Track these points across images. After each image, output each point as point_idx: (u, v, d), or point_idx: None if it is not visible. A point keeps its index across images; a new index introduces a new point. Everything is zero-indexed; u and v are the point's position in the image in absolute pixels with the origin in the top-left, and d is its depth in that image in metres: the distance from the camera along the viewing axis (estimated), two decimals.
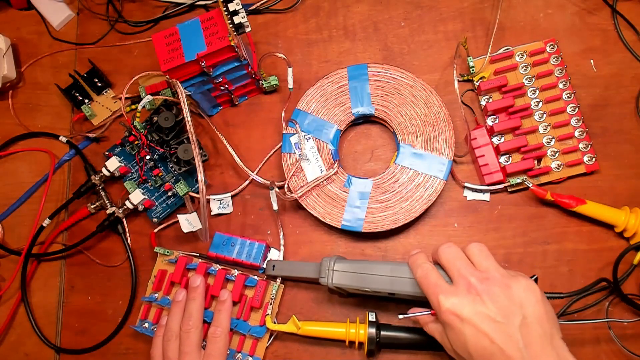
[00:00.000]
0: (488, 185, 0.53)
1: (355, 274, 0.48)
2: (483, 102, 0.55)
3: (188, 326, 0.49)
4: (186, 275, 0.55)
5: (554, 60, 0.54)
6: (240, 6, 0.48)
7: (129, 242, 0.57)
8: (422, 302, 0.45)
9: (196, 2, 0.62)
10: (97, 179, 0.57)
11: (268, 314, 0.52)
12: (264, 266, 0.54)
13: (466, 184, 0.54)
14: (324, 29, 0.61)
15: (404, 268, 0.46)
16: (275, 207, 0.53)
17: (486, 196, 0.54)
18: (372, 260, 0.50)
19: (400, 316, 0.45)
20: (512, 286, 0.39)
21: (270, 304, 0.52)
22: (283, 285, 0.54)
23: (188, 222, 0.52)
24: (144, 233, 0.58)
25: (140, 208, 0.56)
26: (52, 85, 0.62)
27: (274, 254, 0.55)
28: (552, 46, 0.55)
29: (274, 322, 0.52)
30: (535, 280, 0.46)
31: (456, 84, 0.52)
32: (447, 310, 0.39)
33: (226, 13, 0.48)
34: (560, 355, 0.37)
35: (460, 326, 0.39)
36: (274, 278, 0.53)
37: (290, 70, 0.57)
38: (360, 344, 0.50)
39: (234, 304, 0.53)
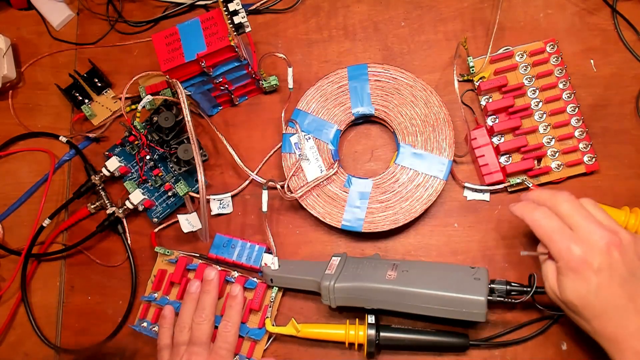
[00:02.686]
0: (488, 185, 0.53)
1: (357, 299, 0.48)
2: (483, 102, 0.55)
3: (200, 318, 0.49)
4: (186, 276, 0.55)
5: (554, 60, 0.54)
6: (240, 6, 0.48)
7: (129, 242, 0.57)
8: (429, 316, 0.46)
9: (196, 2, 0.62)
10: (97, 179, 0.57)
11: (268, 317, 0.52)
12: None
13: (466, 184, 0.54)
14: (324, 29, 0.61)
15: (408, 293, 0.46)
16: (264, 208, 0.52)
17: (486, 196, 0.54)
18: (376, 278, 0.48)
19: (523, 253, 0.46)
20: (637, 242, 0.41)
21: (270, 307, 0.52)
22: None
23: (188, 222, 0.52)
24: (144, 233, 0.58)
25: (140, 208, 0.56)
26: (52, 85, 0.62)
27: (268, 259, 0.54)
28: (552, 46, 0.55)
29: (273, 325, 0.52)
30: (534, 279, 0.46)
31: (456, 84, 0.52)
32: (579, 257, 0.40)
33: (226, 13, 0.48)
34: None
35: (589, 275, 0.40)
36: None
37: (290, 70, 0.57)
38: (360, 345, 0.50)
39: None
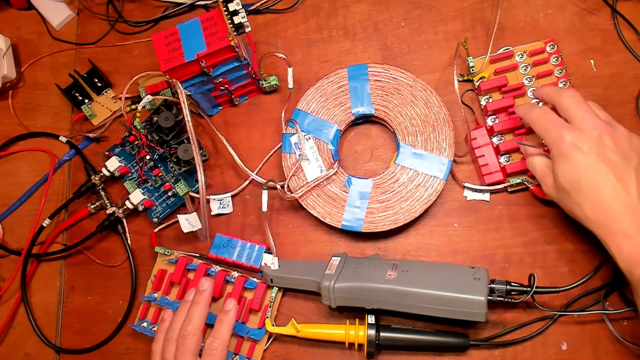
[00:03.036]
0: (488, 185, 0.53)
1: (357, 299, 0.48)
2: (483, 102, 0.55)
3: (186, 331, 0.47)
4: (186, 276, 0.55)
5: (554, 60, 0.54)
6: (240, 6, 0.48)
7: (129, 242, 0.57)
8: (429, 316, 0.46)
9: (196, 2, 0.62)
10: (97, 179, 0.57)
11: (268, 317, 0.52)
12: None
13: (466, 184, 0.54)
14: (324, 29, 0.61)
15: (408, 293, 0.46)
16: (264, 208, 0.52)
17: (486, 196, 0.54)
18: (376, 278, 0.48)
19: (516, 141, 0.50)
20: (632, 135, 0.43)
21: (270, 307, 0.52)
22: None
23: (188, 222, 0.52)
24: (144, 233, 0.58)
25: (140, 208, 0.56)
26: (52, 85, 0.62)
27: (268, 259, 0.53)
28: (552, 46, 0.55)
29: (273, 325, 0.52)
30: (534, 279, 0.46)
31: (456, 84, 0.52)
32: (570, 142, 0.42)
33: (226, 13, 0.48)
34: None
35: (578, 157, 0.42)
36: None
37: (290, 70, 0.57)
38: (360, 345, 0.50)
39: None
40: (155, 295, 0.55)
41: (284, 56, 0.57)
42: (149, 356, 0.52)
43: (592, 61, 0.56)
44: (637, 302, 0.42)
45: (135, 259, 0.57)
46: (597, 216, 0.42)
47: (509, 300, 0.47)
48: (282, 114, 0.57)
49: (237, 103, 0.60)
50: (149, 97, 0.55)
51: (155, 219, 0.57)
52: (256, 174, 0.57)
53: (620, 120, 0.54)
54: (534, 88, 0.54)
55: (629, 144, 0.42)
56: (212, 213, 0.57)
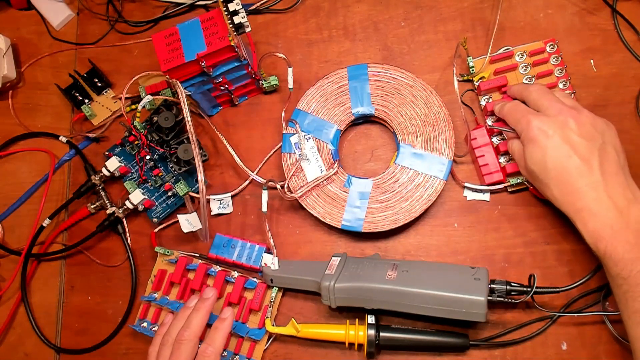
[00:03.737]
0: (488, 185, 0.53)
1: (357, 299, 0.48)
2: (483, 102, 0.55)
3: (183, 337, 0.47)
4: (186, 276, 0.55)
5: (554, 60, 0.54)
6: (240, 6, 0.48)
7: (129, 242, 0.57)
8: (429, 316, 0.46)
9: (196, 2, 0.62)
10: (97, 179, 0.57)
11: (268, 317, 0.52)
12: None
13: (466, 184, 0.54)
14: (324, 29, 0.61)
15: (408, 293, 0.46)
16: (264, 208, 0.52)
17: (486, 196, 0.54)
18: (376, 278, 0.48)
19: (489, 122, 0.53)
20: (596, 119, 0.45)
21: (270, 307, 0.52)
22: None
23: (188, 222, 0.52)
24: (144, 233, 0.58)
25: (140, 208, 0.56)
26: (52, 85, 0.62)
27: (268, 259, 0.53)
28: (552, 46, 0.55)
29: (273, 325, 0.52)
30: (534, 279, 0.46)
31: (456, 84, 0.52)
32: (536, 127, 0.45)
33: (226, 13, 0.48)
34: (628, 182, 0.43)
35: (544, 141, 0.44)
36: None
37: (290, 70, 0.57)
38: (360, 345, 0.50)
39: (233, 305, 0.53)
40: (155, 295, 0.55)
41: (284, 56, 0.57)
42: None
43: (592, 61, 0.56)
44: (607, 275, 0.44)
45: (135, 259, 0.57)
46: (563, 195, 0.44)
47: (509, 300, 0.47)
48: (282, 114, 0.57)
49: (237, 103, 0.60)
50: (149, 97, 0.55)
51: (155, 219, 0.57)
52: (256, 174, 0.57)
53: (620, 120, 0.54)
54: None
55: (593, 127, 0.44)
56: (212, 213, 0.57)
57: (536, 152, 0.45)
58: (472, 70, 0.55)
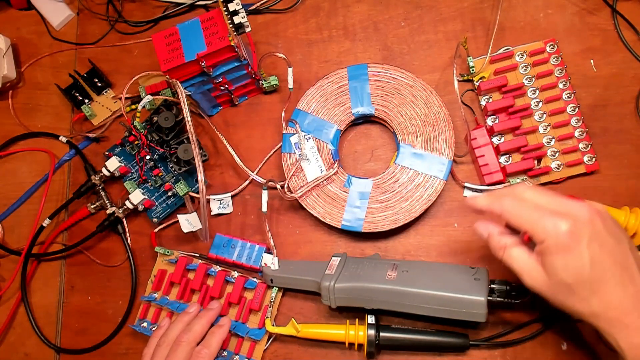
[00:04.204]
0: (488, 185, 0.53)
1: (357, 299, 0.48)
2: (483, 102, 0.55)
3: (182, 339, 0.48)
4: (186, 276, 0.55)
5: (554, 60, 0.54)
6: (240, 6, 0.48)
7: (129, 242, 0.57)
8: (429, 316, 0.46)
9: (196, 2, 0.62)
10: (97, 179, 0.57)
11: (268, 317, 0.52)
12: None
13: (466, 184, 0.54)
14: (324, 29, 0.61)
15: (408, 293, 0.46)
16: (264, 208, 0.53)
17: None
18: (376, 278, 0.48)
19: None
20: (608, 213, 0.39)
21: (270, 307, 0.52)
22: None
23: (188, 222, 0.52)
24: (144, 233, 0.58)
25: (140, 208, 0.56)
26: (52, 85, 0.62)
27: (268, 259, 0.54)
28: (552, 46, 0.55)
29: (273, 325, 0.52)
30: None
31: (456, 84, 0.52)
32: (568, 232, 0.37)
33: (226, 13, 0.48)
34: None
35: (580, 249, 0.37)
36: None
37: (290, 70, 0.57)
38: (360, 345, 0.50)
39: (233, 305, 0.53)
40: (155, 295, 0.55)
41: (284, 56, 0.57)
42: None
43: (592, 61, 0.56)
44: None
45: (135, 259, 0.57)
46: (605, 310, 0.38)
47: (509, 300, 0.46)
48: (282, 114, 0.57)
49: (237, 103, 0.60)
50: (149, 97, 0.55)
51: (155, 219, 0.57)
52: (256, 174, 0.57)
53: (620, 120, 0.54)
54: (534, 88, 0.54)
55: (612, 221, 0.39)
56: (212, 213, 0.57)
57: (572, 261, 0.37)
58: (472, 70, 0.55)
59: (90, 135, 0.60)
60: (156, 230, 0.57)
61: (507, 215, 0.40)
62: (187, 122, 0.50)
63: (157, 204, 0.57)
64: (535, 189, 0.40)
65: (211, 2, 0.62)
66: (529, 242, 0.38)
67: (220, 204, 0.57)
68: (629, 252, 0.38)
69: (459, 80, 0.56)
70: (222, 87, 0.56)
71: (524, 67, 0.55)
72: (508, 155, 0.53)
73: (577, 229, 0.37)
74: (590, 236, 0.37)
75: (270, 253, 0.54)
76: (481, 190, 0.54)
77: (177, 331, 0.50)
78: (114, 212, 0.56)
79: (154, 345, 0.50)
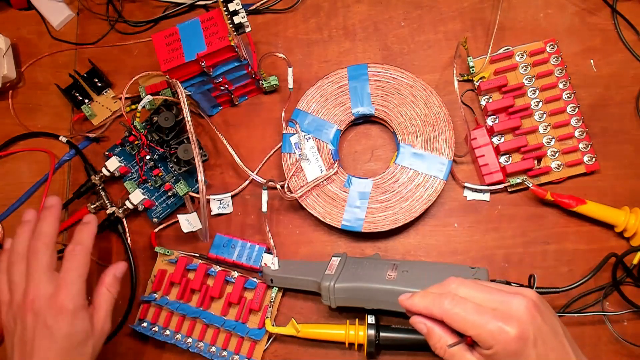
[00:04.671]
0: (488, 185, 0.53)
1: (357, 299, 0.48)
2: (483, 102, 0.55)
3: (36, 246, 0.41)
4: (186, 276, 0.55)
5: (554, 60, 0.54)
6: (240, 6, 0.48)
7: (129, 242, 0.57)
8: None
9: (196, 2, 0.62)
10: (97, 179, 0.57)
11: (268, 317, 0.52)
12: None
13: (466, 184, 0.54)
14: (324, 29, 0.61)
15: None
16: (264, 208, 0.53)
17: (486, 196, 0.54)
18: (376, 278, 0.48)
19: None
20: (542, 307, 0.37)
21: (270, 307, 0.52)
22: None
23: (188, 222, 0.52)
24: (144, 233, 0.58)
25: (140, 208, 0.56)
26: (52, 85, 0.62)
27: (268, 259, 0.54)
28: (552, 46, 0.55)
29: (273, 325, 0.52)
30: (534, 280, 0.46)
31: (456, 84, 0.52)
32: (516, 336, 0.35)
33: (226, 13, 0.48)
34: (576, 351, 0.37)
35: (529, 351, 0.35)
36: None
37: (290, 70, 0.57)
38: (360, 345, 0.50)
39: (233, 305, 0.53)
40: (155, 295, 0.55)
41: (284, 56, 0.57)
42: (149, 356, 0.52)
43: (592, 61, 0.56)
44: None
45: (135, 259, 0.57)
46: None
47: None
48: (282, 114, 0.57)
49: (237, 103, 0.60)
50: (149, 97, 0.55)
51: (155, 219, 0.57)
52: (256, 174, 0.57)
53: (620, 120, 0.54)
54: (534, 88, 0.54)
55: (547, 308, 0.38)
56: (212, 213, 0.57)
57: None
58: (472, 70, 0.55)
59: (90, 135, 0.60)
60: (156, 230, 0.57)
61: (450, 320, 0.38)
62: (187, 122, 0.50)
63: (157, 204, 0.57)
64: (468, 283, 0.39)
65: (211, 2, 0.62)
66: (472, 343, 0.38)
67: (220, 204, 0.57)
68: (565, 341, 0.37)
69: (459, 80, 0.56)
70: (222, 87, 0.56)
71: (524, 67, 0.55)
72: (508, 155, 0.53)
73: (522, 331, 0.35)
74: (535, 335, 0.36)
75: (270, 253, 0.54)
76: (481, 191, 0.54)
77: (24, 243, 0.43)
78: (114, 212, 0.56)
79: (5, 266, 0.42)
